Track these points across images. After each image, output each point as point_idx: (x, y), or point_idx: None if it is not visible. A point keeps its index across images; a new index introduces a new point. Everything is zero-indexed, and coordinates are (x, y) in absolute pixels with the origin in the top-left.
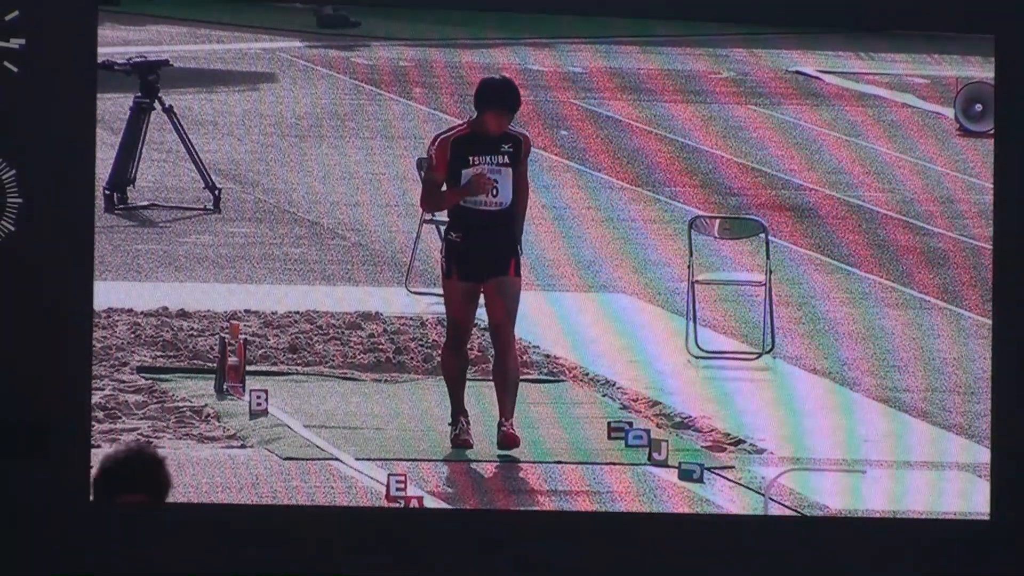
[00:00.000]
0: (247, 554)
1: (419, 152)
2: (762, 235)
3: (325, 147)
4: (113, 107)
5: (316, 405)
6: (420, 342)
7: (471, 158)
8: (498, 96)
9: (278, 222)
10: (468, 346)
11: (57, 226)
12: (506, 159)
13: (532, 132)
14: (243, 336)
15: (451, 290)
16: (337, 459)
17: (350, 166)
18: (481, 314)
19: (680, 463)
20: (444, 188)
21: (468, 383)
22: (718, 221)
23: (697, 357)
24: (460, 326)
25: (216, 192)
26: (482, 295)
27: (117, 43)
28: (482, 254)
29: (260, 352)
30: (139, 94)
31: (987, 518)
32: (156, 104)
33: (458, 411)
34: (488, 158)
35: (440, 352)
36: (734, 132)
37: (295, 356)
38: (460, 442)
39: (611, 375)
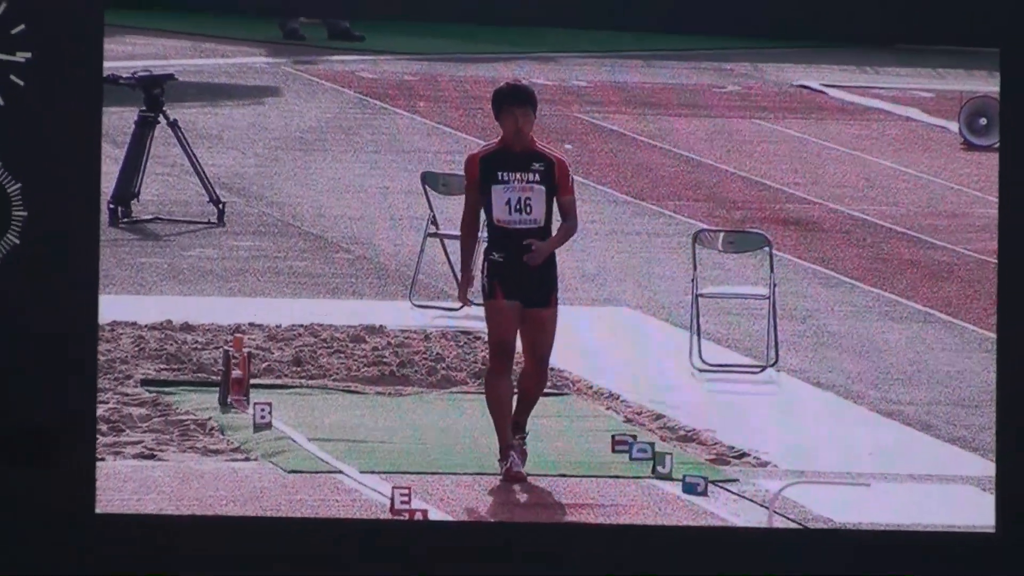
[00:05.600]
0: (251, 566)
1: (423, 165)
2: (766, 249)
3: (329, 160)
4: (118, 121)
5: (320, 418)
6: (424, 355)
7: (500, 174)
8: (511, 92)
9: (282, 235)
10: (491, 364)
11: (62, 239)
12: (537, 177)
13: None
14: (247, 349)
15: (496, 310)
16: (341, 472)
17: (354, 179)
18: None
19: (684, 476)
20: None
21: (475, 396)
22: (722, 235)
23: (701, 370)
24: (505, 345)
25: (220, 206)
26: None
27: (122, 57)
28: (526, 276)
29: (264, 365)
30: (144, 108)
31: (991, 531)
32: (161, 118)
33: (507, 445)
34: (518, 175)
35: (449, 364)
36: (738, 146)
37: (299, 369)
38: (512, 475)
39: (615, 388)
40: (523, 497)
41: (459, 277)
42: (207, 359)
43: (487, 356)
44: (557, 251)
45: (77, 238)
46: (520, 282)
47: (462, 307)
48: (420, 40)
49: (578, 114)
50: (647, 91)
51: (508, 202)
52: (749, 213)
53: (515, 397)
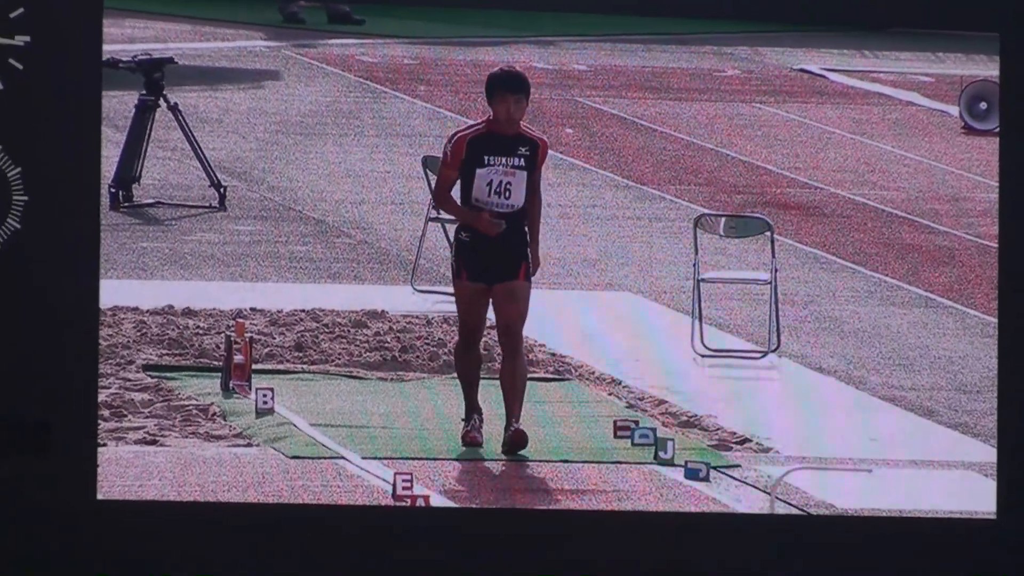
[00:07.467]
0: (253, 552)
1: (424, 150)
2: (768, 233)
3: (330, 144)
4: (118, 105)
5: (322, 403)
6: (426, 340)
7: (487, 157)
8: (507, 79)
9: (283, 220)
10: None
11: (63, 224)
12: (521, 162)
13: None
14: (249, 334)
15: (461, 290)
16: (343, 458)
17: (355, 164)
18: (490, 313)
19: (686, 462)
20: (456, 187)
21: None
22: (723, 219)
23: (703, 356)
24: (470, 326)
25: (221, 190)
26: (491, 298)
27: (122, 40)
28: (492, 255)
29: (266, 350)
30: (144, 92)
31: (992, 517)
32: (161, 102)
33: (471, 408)
34: (504, 159)
35: (451, 349)
36: (739, 130)
37: (301, 354)
38: (470, 439)
39: (617, 373)
40: (525, 483)
41: (470, 220)
42: (209, 344)
43: (487, 342)
44: (555, 235)
45: (78, 222)
46: (486, 262)
47: None
48: (421, 24)
49: (579, 98)
50: (647, 75)
51: (489, 184)
52: (750, 197)
53: (502, 387)
